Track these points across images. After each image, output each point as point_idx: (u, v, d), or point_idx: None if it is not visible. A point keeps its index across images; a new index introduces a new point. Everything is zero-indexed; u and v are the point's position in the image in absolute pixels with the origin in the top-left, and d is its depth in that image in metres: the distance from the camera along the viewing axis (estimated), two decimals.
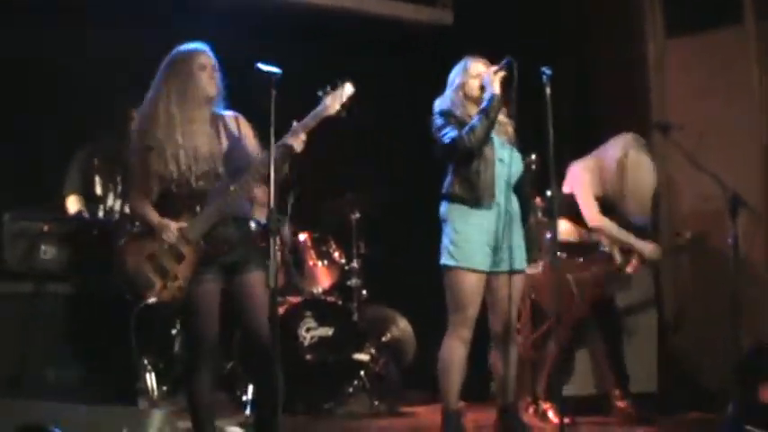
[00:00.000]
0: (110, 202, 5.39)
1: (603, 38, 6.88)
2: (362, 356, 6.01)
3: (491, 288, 4.65)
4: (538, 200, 5.77)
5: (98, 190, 5.41)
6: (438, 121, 4.65)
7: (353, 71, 6.89)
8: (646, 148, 5.44)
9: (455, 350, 4.59)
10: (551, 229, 4.57)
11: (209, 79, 4.10)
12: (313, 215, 6.44)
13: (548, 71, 4.42)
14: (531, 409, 5.65)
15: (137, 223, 4.53)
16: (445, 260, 4.61)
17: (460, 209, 4.61)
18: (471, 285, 4.55)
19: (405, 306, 6.71)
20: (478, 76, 4.68)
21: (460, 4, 7.34)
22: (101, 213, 5.44)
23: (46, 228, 4.63)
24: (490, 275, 4.61)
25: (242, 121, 4.24)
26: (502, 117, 4.71)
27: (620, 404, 5.41)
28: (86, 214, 5.32)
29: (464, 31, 7.18)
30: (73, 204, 5.39)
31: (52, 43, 6.13)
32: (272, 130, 3.87)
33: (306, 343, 5.82)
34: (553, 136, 4.44)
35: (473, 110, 4.62)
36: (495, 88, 4.55)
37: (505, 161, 4.65)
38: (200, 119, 4.08)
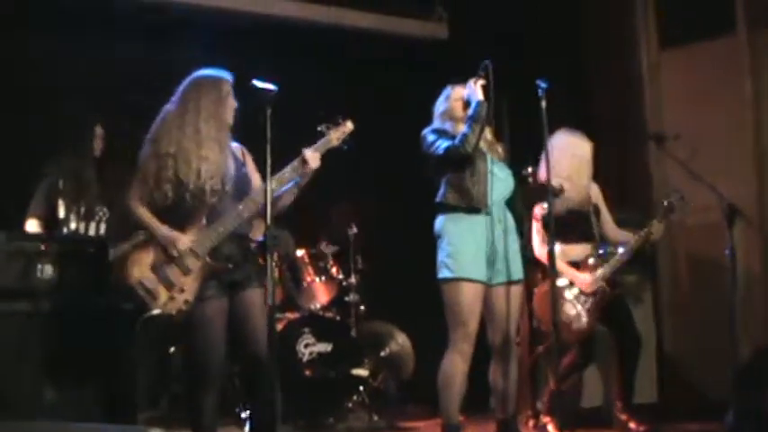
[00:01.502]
0: (72, 225, 5.38)
1: (598, 50, 6.90)
2: (361, 372, 6.00)
3: (489, 301, 4.65)
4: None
5: (61, 213, 5.39)
6: (429, 137, 4.73)
7: (349, 86, 6.96)
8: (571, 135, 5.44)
9: (456, 365, 4.59)
10: (549, 241, 4.56)
11: (231, 109, 4.23)
12: (311, 231, 6.45)
13: (543, 84, 4.45)
14: (530, 423, 5.64)
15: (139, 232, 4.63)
16: (442, 274, 4.63)
17: (455, 218, 4.65)
18: (470, 297, 4.56)
19: (403, 321, 6.70)
20: (461, 98, 4.78)
21: (456, 18, 7.36)
22: None
23: (43, 247, 4.62)
24: (488, 288, 4.62)
25: (246, 153, 4.36)
26: (491, 137, 4.81)
27: (621, 416, 5.39)
28: None
29: (459, 45, 7.20)
30: (31, 228, 5.36)
31: (47, 56, 6.15)
32: (268, 147, 3.90)
33: (304, 359, 5.81)
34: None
35: (461, 129, 4.67)
36: (479, 96, 4.64)
37: (498, 176, 4.70)
38: (224, 140, 4.19)
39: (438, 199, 4.71)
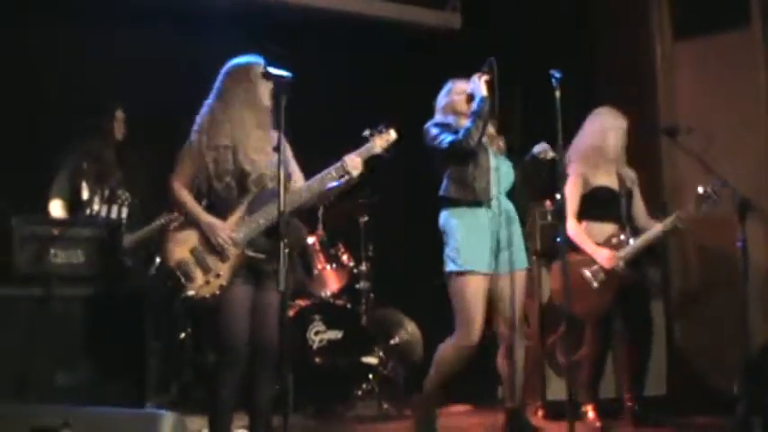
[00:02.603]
0: (96, 206, 5.40)
1: (611, 41, 6.88)
2: (371, 359, 6.01)
3: (494, 289, 4.74)
4: (548, 203, 5.78)
5: (84, 194, 5.42)
6: (433, 131, 4.82)
7: (361, 75, 6.94)
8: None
9: (458, 358, 4.71)
10: (560, 231, 4.56)
11: (265, 89, 4.23)
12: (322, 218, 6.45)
13: (557, 74, 4.45)
14: (539, 413, 5.65)
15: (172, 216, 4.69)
16: (449, 267, 4.73)
17: (458, 213, 4.75)
18: (475, 289, 4.65)
19: (413, 309, 6.71)
20: (464, 92, 4.86)
21: (469, 7, 7.35)
22: None
23: (56, 231, 4.64)
24: (492, 277, 4.71)
25: (284, 141, 4.32)
26: (492, 131, 4.86)
27: (631, 406, 5.38)
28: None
29: (472, 34, 7.19)
30: (55, 209, 5.39)
31: (45, 43, 6.15)
32: (281, 134, 3.91)
33: (314, 346, 5.83)
34: (561, 139, 4.47)
35: (463, 122, 4.77)
36: (483, 91, 4.72)
37: (499, 170, 4.78)
38: (266, 125, 4.23)
39: (441, 193, 4.81)
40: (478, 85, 4.74)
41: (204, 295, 4.08)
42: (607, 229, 5.33)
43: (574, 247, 5.24)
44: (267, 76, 4.03)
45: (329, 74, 6.77)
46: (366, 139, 4.35)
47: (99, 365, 4.57)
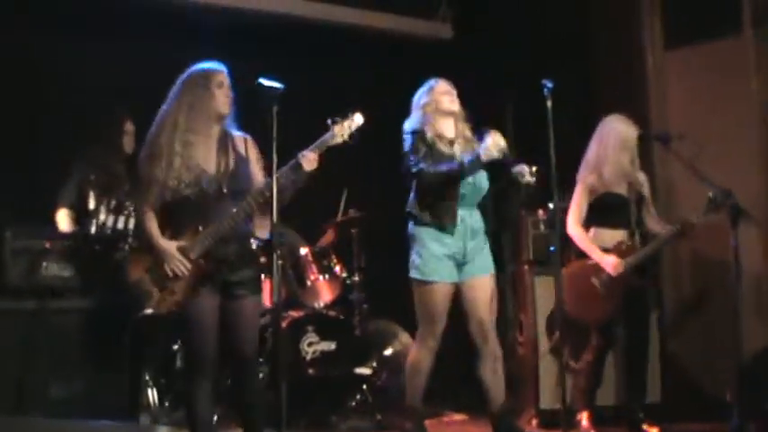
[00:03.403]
0: (102, 217, 5.39)
1: (603, 50, 6.89)
2: (364, 370, 6.01)
3: (461, 297, 4.79)
4: (540, 212, 5.77)
5: (91, 204, 5.41)
6: (409, 140, 4.79)
7: (352, 86, 6.94)
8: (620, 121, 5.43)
9: (423, 359, 4.80)
10: (554, 240, 4.56)
11: (224, 98, 4.18)
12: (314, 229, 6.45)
13: (549, 84, 4.46)
14: (534, 423, 5.63)
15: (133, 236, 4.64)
16: (413, 274, 4.80)
17: (427, 230, 4.77)
18: (439, 298, 4.73)
19: (406, 320, 6.69)
20: (447, 92, 4.85)
21: (459, 18, 7.36)
22: (93, 228, 5.44)
23: (47, 244, 4.64)
24: (459, 285, 4.77)
25: (250, 143, 4.29)
26: (468, 134, 4.85)
27: (631, 414, 5.37)
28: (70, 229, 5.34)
29: (463, 45, 7.20)
30: (62, 218, 5.38)
31: (48, 53, 6.15)
32: (275, 146, 3.90)
33: (308, 357, 5.81)
34: (554, 148, 4.47)
35: (443, 123, 4.80)
36: (492, 151, 4.56)
37: (472, 180, 4.76)
38: (205, 133, 4.14)
39: (408, 209, 4.84)
40: (493, 144, 4.57)
41: (161, 311, 4.08)
42: (617, 235, 5.32)
43: (582, 254, 5.25)
44: (260, 87, 3.99)
45: (318, 83, 6.77)
46: (327, 128, 4.18)
47: (92, 378, 4.55)
